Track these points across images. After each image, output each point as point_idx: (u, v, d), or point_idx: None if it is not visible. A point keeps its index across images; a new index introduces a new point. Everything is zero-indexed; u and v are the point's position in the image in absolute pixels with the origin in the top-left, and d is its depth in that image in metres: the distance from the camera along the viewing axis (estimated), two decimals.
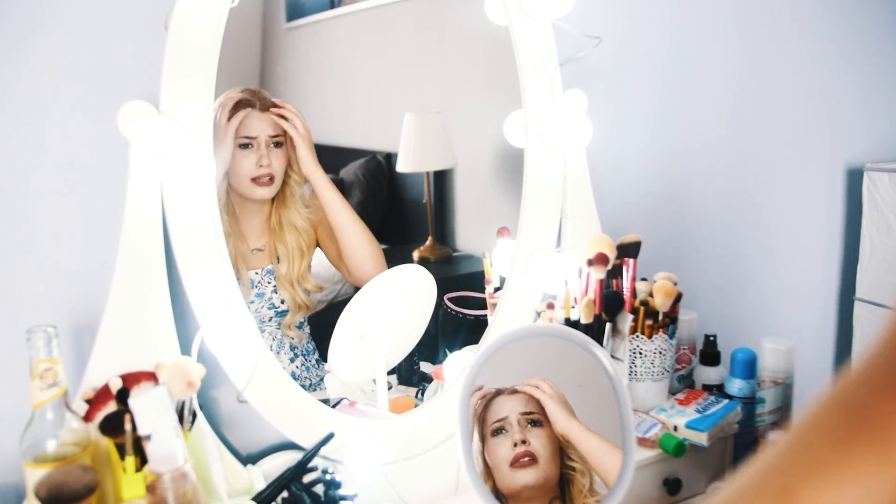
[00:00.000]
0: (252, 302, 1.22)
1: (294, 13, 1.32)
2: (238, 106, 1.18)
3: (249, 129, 1.19)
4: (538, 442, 1.03)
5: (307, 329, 1.32)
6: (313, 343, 1.32)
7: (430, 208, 1.43)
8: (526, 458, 1.02)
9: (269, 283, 1.25)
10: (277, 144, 1.22)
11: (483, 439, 1.03)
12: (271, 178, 1.22)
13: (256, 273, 1.24)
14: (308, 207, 1.28)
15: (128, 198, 0.97)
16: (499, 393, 1.05)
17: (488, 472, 1.02)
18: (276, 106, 1.21)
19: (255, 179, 1.20)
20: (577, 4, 1.20)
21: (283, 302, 1.26)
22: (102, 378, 0.96)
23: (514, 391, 1.05)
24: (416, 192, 1.44)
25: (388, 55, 1.42)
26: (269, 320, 1.25)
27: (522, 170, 1.28)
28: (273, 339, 1.25)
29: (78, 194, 1.03)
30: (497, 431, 1.03)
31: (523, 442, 1.02)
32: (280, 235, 1.26)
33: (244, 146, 1.19)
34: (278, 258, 1.26)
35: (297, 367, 1.29)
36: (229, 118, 1.17)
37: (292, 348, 1.28)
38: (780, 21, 1.63)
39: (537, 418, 1.04)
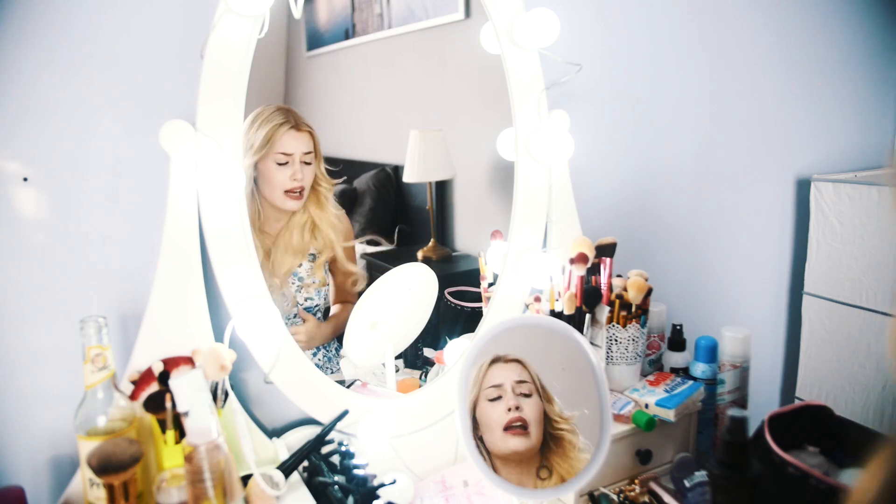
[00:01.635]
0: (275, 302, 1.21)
1: (313, 43, 1.32)
2: (277, 124, 1.17)
3: (287, 146, 1.17)
4: (529, 409, 1.03)
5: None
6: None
7: (432, 214, 1.43)
8: (518, 424, 1.02)
9: (292, 283, 1.23)
10: (307, 162, 1.20)
11: (476, 399, 1.03)
12: (302, 192, 1.20)
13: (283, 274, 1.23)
14: (340, 209, 1.28)
15: (168, 204, 0.97)
16: (497, 360, 1.05)
17: (475, 428, 1.02)
18: (309, 127, 1.20)
19: (288, 192, 1.19)
20: (561, 35, 1.20)
21: (307, 300, 1.25)
22: (146, 362, 0.96)
23: (510, 360, 1.05)
24: (420, 200, 1.44)
25: (395, 80, 1.42)
26: (294, 317, 1.24)
27: (513, 180, 1.28)
28: None
29: (125, 201, 1.02)
30: (492, 398, 1.03)
31: (517, 408, 1.02)
32: (317, 232, 1.25)
33: (281, 163, 1.17)
34: (313, 255, 1.25)
35: (320, 358, 1.28)
36: (271, 134, 1.16)
37: None
38: (738, 49, 1.63)
39: (528, 391, 1.04)
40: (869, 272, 1.62)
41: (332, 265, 1.30)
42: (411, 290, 1.28)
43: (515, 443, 1.02)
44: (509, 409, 1.02)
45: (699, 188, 1.64)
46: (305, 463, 1.04)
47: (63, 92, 0.97)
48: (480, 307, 1.34)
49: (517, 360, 1.05)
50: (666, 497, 1.13)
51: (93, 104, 0.99)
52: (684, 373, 1.32)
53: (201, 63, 0.96)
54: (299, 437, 1.11)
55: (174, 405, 0.87)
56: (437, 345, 1.35)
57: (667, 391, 1.23)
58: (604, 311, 1.26)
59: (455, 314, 1.37)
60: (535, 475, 1.01)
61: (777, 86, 1.71)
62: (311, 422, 1.13)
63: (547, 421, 1.03)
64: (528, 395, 1.04)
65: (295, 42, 1.30)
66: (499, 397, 1.03)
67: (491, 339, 1.05)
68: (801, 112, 1.76)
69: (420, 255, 1.43)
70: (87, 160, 1.00)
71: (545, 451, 1.03)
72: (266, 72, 1.22)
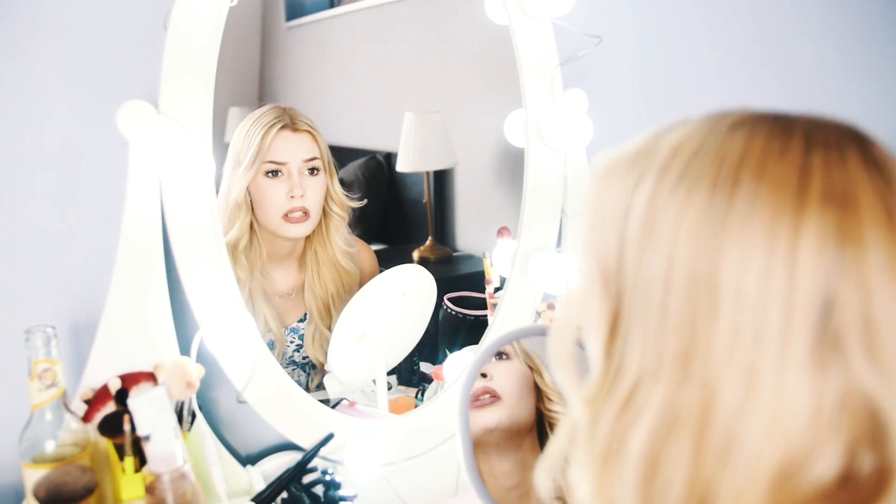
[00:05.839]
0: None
1: (293, 12, 1.32)
2: (267, 125, 1.01)
3: (278, 151, 1.01)
4: (503, 378, 0.91)
5: None
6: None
7: (430, 208, 1.43)
8: (486, 397, 0.90)
9: (291, 341, 1.14)
10: (313, 171, 1.04)
11: None
12: (305, 213, 1.04)
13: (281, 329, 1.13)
14: (352, 247, 1.13)
15: (127, 197, 0.97)
16: None
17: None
18: (310, 126, 1.03)
19: (286, 215, 1.03)
20: (577, 3, 1.20)
21: (304, 359, 1.16)
22: (101, 378, 0.96)
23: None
24: (416, 192, 1.44)
25: (387, 54, 1.42)
26: (289, 365, 1.18)
27: (523, 169, 1.28)
28: None
29: (77, 194, 1.02)
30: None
31: (483, 375, 0.90)
32: (317, 278, 1.09)
33: (272, 173, 1.02)
34: (305, 314, 1.11)
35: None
36: (260, 139, 1.00)
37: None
38: (783, 20, 1.63)
39: (502, 350, 0.93)
40: None
41: None
42: (406, 295, 1.28)
43: (485, 417, 0.87)
44: None
45: None
46: (284, 494, 1.04)
47: (5, 67, 0.96)
48: (485, 315, 1.34)
49: None
50: None
51: (39, 82, 0.98)
52: None
53: (165, 35, 0.96)
54: (277, 465, 1.11)
55: (133, 428, 0.87)
56: (436, 359, 1.35)
57: None
58: None
59: (456, 323, 1.37)
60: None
61: (831, 61, 1.71)
62: (290, 447, 1.13)
63: (539, 397, 0.93)
64: (502, 357, 0.90)
65: (272, 10, 1.31)
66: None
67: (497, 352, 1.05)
68: (860, 91, 1.76)
69: (416, 255, 1.43)
70: (33, 146, 0.99)
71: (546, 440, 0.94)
72: (239, 45, 1.22)
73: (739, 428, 0.42)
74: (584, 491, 0.48)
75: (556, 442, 0.52)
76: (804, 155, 0.44)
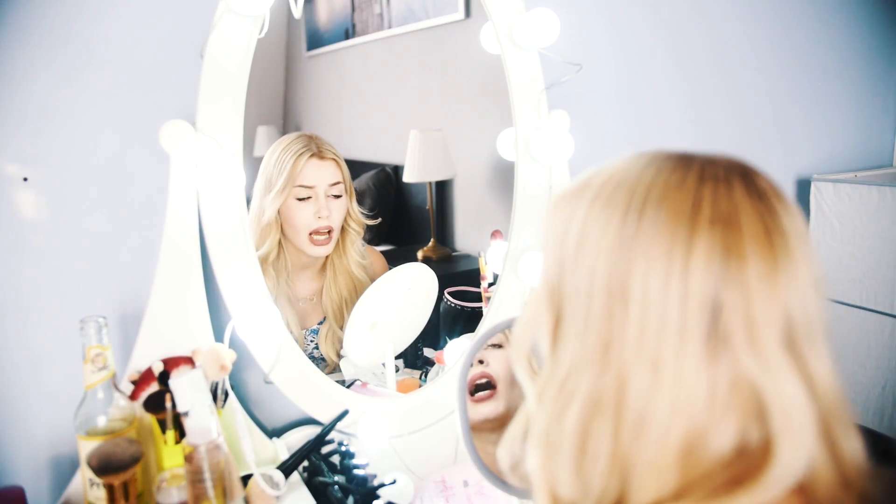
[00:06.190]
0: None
1: (313, 43, 1.32)
2: (296, 153, 1.02)
3: (307, 177, 1.01)
4: (498, 365, 0.93)
5: None
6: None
7: (432, 214, 1.43)
8: (483, 381, 0.90)
9: (311, 341, 1.15)
10: (336, 195, 1.04)
11: None
12: (330, 233, 1.05)
13: (301, 331, 1.14)
14: (366, 259, 1.14)
15: (168, 204, 0.97)
16: None
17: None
18: (335, 154, 1.02)
19: (312, 234, 1.04)
20: (561, 35, 1.20)
21: (321, 355, 1.18)
22: (146, 362, 0.96)
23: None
24: (420, 200, 1.44)
25: (395, 80, 1.42)
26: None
27: (513, 180, 1.28)
28: None
29: (125, 201, 1.02)
30: None
31: (480, 362, 0.91)
32: (333, 285, 1.10)
33: (302, 198, 1.03)
34: (324, 318, 1.12)
35: None
36: (290, 166, 1.00)
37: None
38: (739, 49, 1.63)
39: (498, 341, 0.95)
40: (869, 272, 1.62)
41: None
42: (411, 290, 1.28)
43: (485, 409, 0.88)
44: (472, 365, 0.85)
45: None
46: (305, 463, 1.03)
47: (64, 92, 0.96)
48: (480, 307, 1.34)
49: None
50: None
51: (93, 104, 0.98)
52: None
53: (201, 63, 0.96)
54: (299, 437, 1.11)
55: (174, 405, 0.87)
56: (437, 345, 1.35)
57: None
58: None
59: (455, 314, 1.36)
60: None
61: (777, 86, 1.71)
62: (311, 422, 1.13)
63: None
64: (498, 346, 0.92)
65: (295, 42, 1.30)
66: None
67: (490, 339, 1.05)
68: (801, 112, 1.76)
69: (420, 255, 1.43)
70: (87, 160, 0.99)
71: None
72: (266, 71, 1.22)
73: (648, 408, 0.44)
74: (532, 464, 0.50)
75: (514, 425, 0.54)
76: (697, 186, 0.46)
